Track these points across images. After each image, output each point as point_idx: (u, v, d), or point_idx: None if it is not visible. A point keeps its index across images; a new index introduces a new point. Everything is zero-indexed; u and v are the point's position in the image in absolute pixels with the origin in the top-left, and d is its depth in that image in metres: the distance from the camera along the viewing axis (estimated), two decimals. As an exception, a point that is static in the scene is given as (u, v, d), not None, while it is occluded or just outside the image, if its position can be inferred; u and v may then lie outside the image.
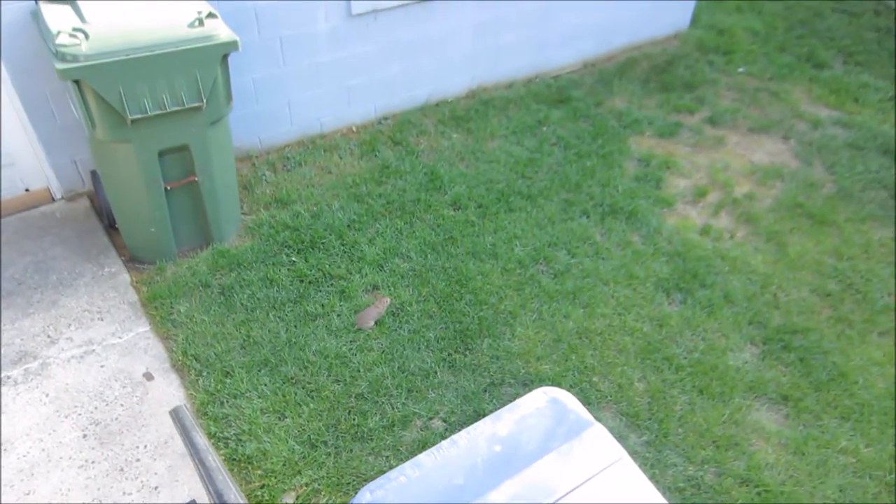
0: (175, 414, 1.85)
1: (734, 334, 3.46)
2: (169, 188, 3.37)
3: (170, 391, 2.98)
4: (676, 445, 2.93)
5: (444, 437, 2.64)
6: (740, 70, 5.92)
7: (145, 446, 2.76)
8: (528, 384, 3.09)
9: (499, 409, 1.94)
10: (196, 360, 3.10)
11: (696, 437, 2.96)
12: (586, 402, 3.01)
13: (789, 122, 5.25)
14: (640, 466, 1.84)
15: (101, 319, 3.28)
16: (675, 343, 3.38)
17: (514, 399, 1.99)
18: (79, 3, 3.12)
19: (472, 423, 1.93)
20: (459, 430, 1.88)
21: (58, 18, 3.01)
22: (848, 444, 3.02)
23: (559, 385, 3.03)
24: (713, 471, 2.87)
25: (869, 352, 3.43)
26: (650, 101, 5.41)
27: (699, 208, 4.33)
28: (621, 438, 2.89)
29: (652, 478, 2.76)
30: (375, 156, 4.50)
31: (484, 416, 1.97)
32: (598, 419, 2.02)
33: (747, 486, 2.83)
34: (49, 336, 3.18)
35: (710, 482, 2.83)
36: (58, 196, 3.95)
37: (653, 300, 3.60)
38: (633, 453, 2.85)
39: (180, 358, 3.11)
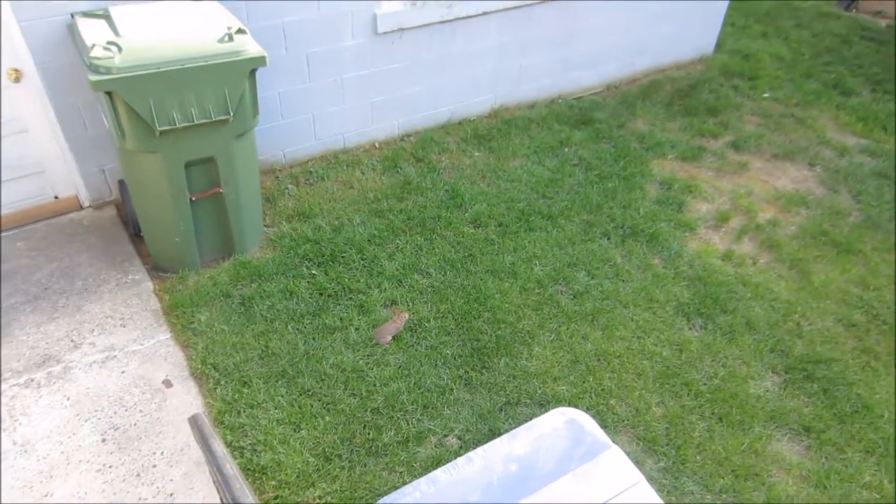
0: (194, 421, 1.86)
1: (755, 362, 3.43)
2: (194, 199, 3.42)
3: (188, 399, 3.01)
4: (694, 473, 2.89)
5: (458, 455, 2.63)
6: (765, 95, 5.91)
7: (162, 453, 2.79)
8: (544, 405, 3.07)
9: (514, 428, 1.93)
10: (215, 368, 3.13)
11: (715, 466, 2.93)
12: (603, 426, 2.98)
13: (815, 148, 5.22)
14: (656, 492, 1.83)
15: (124, 326, 3.32)
16: (695, 369, 3.35)
17: (530, 419, 1.99)
18: (113, 17, 3.21)
19: (487, 441, 1.92)
20: (474, 448, 1.88)
21: (93, 32, 3.10)
22: (872, 479, 2.96)
23: (576, 407, 3.01)
24: (731, 501, 2.83)
25: (894, 385, 3.38)
26: (673, 124, 5.40)
27: (721, 233, 4.30)
28: (638, 464, 2.86)
29: (668, 504, 2.73)
30: (397, 172, 4.54)
31: (499, 435, 1.97)
32: (614, 442, 2.01)
33: (765, 516, 2.79)
34: (73, 340, 3.23)
35: (728, 511, 2.79)
36: (86, 204, 4.03)
37: (672, 324, 3.58)
38: (650, 479, 2.81)
39: (199, 366, 3.13)
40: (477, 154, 4.79)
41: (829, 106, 5.79)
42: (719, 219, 4.40)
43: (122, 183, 3.87)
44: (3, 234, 3.80)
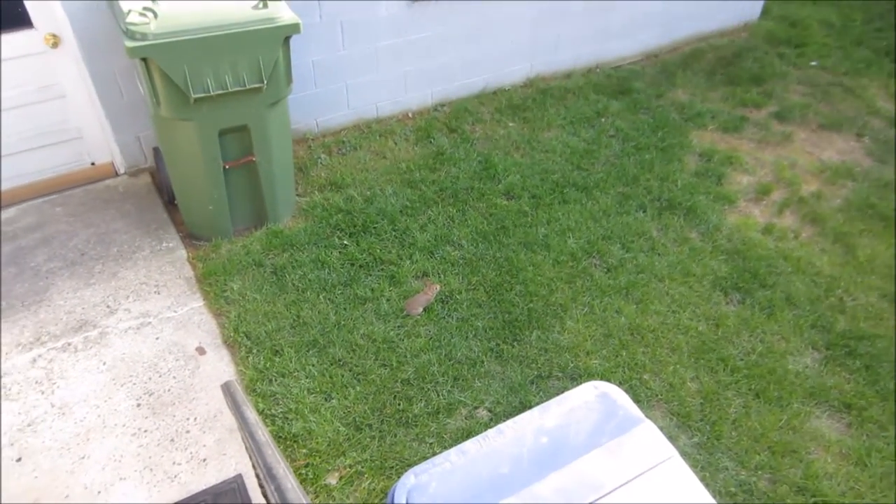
0: (227, 388, 1.88)
1: (795, 338, 3.34)
2: (227, 167, 3.42)
3: (220, 366, 3.04)
4: (729, 449, 2.85)
5: (488, 427, 2.62)
6: (812, 64, 5.70)
7: (195, 419, 2.83)
8: (576, 378, 3.04)
9: (546, 401, 1.91)
10: (247, 337, 3.16)
11: (751, 442, 2.88)
12: (636, 400, 2.94)
13: (863, 118, 5.03)
14: (690, 468, 1.79)
15: (158, 293, 3.37)
16: (732, 344, 3.28)
17: (562, 392, 1.96)
18: (147, -18, 3.20)
19: (517, 414, 1.90)
20: (505, 420, 1.86)
21: (127, -3, 3.09)
22: (913, 458, 2.88)
23: (608, 381, 2.98)
24: (767, 477, 2.78)
25: (940, 363, 3.27)
26: (714, 94, 5.26)
27: (762, 206, 4.20)
28: (671, 439, 2.82)
29: (702, 480, 2.69)
30: (430, 142, 4.50)
31: (530, 408, 1.95)
32: (647, 417, 1.98)
33: (803, 494, 2.73)
34: (108, 306, 3.28)
35: (764, 488, 2.74)
36: (121, 171, 4.07)
37: (709, 299, 3.51)
38: (683, 454, 2.76)
39: (232, 334, 3.16)
40: (511, 124, 4.73)
41: (879, 74, 5.56)
42: (760, 191, 4.29)
43: (156, 150, 3.90)
44: (42, 200, 3.86)
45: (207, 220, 3.61)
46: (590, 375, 3.04)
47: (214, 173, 3.40)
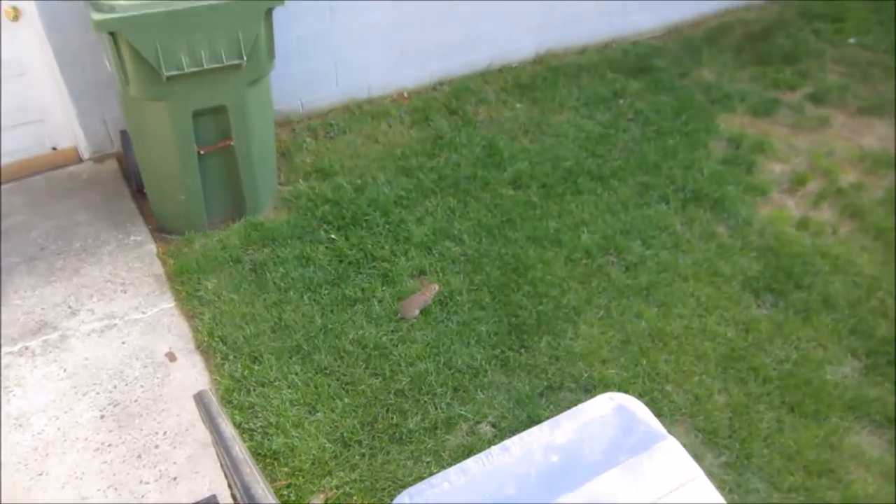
0: (200, 399, 1.86)
1: (833, 345, 3.33)
2: (202, 152, 3.40)
3: (193, 374, 3.02)
4: (760, 468, 2.83)
5: (492, 444, 2.60)
6: (851, 41, 5.69)
7: (165, 432, 2.81)
8: (590, 390, 3.03)
9: (556, 415, 1.90)
10: (223, 342, 3.14)
11: (784, 461, 2.86)
12: (657, 414, 2.90)
13: (908, 102, 5.02)
14: (717, 489, 1.78)
15: (125, 292, 3.35)
16: (764, 351, 3.27)
17: (575, 405, 1.95)
18: (113, -55, 3.17)
19: (524, 429, 1.89)
20: (510, 436, 1.85)
21: (92, -37, 3.07)
22: (964, 479, 2.87)
23: (626, 392, 2.96)
24: (802, 500, 2.77)
25: None
26: (743, 73, 5.25)
27: (797, 198, 4.18)
28: (696, 457, 2.79)
29: (731, 503, 2.67)
30: (428, 125, 4.48)
31: (538, 422, 1.94)
32: (670, 433, 1.96)
33: (841, 520, 2.72)
34: (70, 306, 3.26)
35: (798, 513, 2.73)
36: (85, 156, 4.05)
37: (739, 301, 3.49)
38: (710, 475, 2.74)
39: (206, 339, 3.15)
40: (519, 106, 4.71)
41: (927, 53, 5.54)
42: (795, 181, 4.27)
43: (124, 134, 3.87)
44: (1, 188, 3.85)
45: (180, 211, 3.58)
46: (606, 386, 3.02)
47: (188, 159, 3.38)
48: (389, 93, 4.74)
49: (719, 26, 5.73)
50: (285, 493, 2.64)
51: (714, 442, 2.91)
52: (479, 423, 2.91)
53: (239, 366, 3.04)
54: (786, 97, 5.03)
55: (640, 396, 2.92)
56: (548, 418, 1.87)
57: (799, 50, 5.49)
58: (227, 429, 1.70)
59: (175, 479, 2.66)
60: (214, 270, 3.46)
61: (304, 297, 3.34)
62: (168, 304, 3.31)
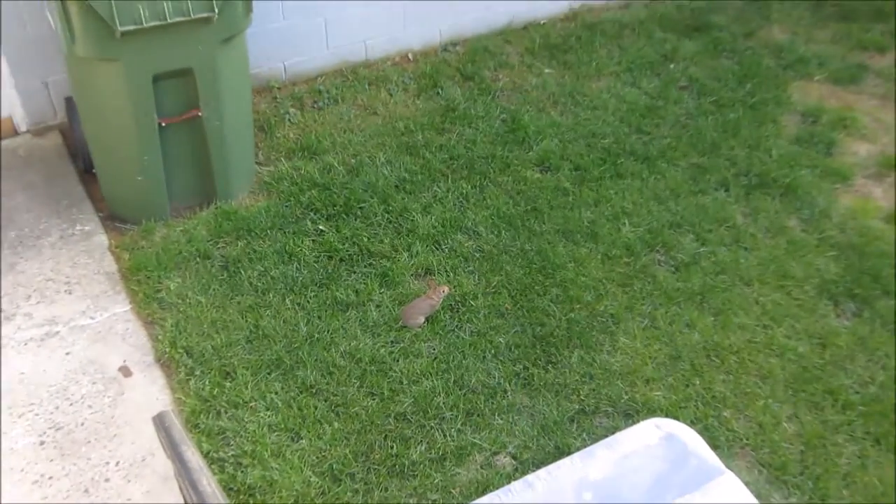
0: (160, 422, 1.87)
1: (929, 364, 3.33)
2: (164, 125, 3.41)
3: (152, 392, 3.03)
4: (837, 513, 2.83)
5: (513, 479, 2.60)
6: (957, -6, 5.66)
7: (117, 463, 2.82)
8: (631, 415, 3.03)
9: (590, 445, 1.90)
10: (188, 353, 3.15)
11: (867, 504, 2.86)
12: (713, 445, 2.91)
13: None
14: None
15: (70, 293, 3.37)
16: (844, 371, 3.26)
17: (613, 433, 1.96)
18: None
19: (552, 461, 1.90)
20: (534, 470, 1.86)
21: None
22: None
23: (676, 419, 2.97)
24: (888, 552, 2.77)
25: None
26: (822, 32, 5.24)
27: (885, 185, 4.18)
28: (760, 497, 2.81)
29: (800, 555, 2.68)
30: (438, 94, 4.49)
31: (569, 453, 1.95)
32: (728, 468, 1.97)
33: (937, 577, 2.72)
34: (4, 310, 3.28)
35: (884, 568, 2.73)
36: (23, 128, 4.08)
37: (814, 310, 3.49)
38: (775, 520, 2.77)
39: (167, 350, 3.16)
40: (547, 71, 4.72)
41: None
42: (883, 165, 4.26)
43: (69, 102, 3.89)
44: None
45: (136, 195, 3.60)
46: (650, 411, 3.02)
47: (147, 132, 3.39)
48: (391, 55, 4.75)
49: (793, -25, 5.73)
50: (262, 536, 2.66)
51: (782, 479, 2.90)
52: (496, 453, 2.92)
53: (207, 382, 3.05)
54: (874, 62, 5.03)
55: (692, 424, 2.93)
56: (580, 449, 1.87)
57: (890, 5, 5.47)
58: (194, 458, 1.71)
59: (129, 518, 2.68)
60: (178, 267, 3.47)
61: (287, 301, 3.36)
62: (122, 307, 3.33)
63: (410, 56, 4.78)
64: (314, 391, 3.07)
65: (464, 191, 3.89)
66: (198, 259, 3.52)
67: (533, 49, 4.86)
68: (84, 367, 3.11)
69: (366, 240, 3.62)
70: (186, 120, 3.46)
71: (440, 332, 3.29)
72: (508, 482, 1.85)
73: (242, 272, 3.46)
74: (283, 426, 2.94)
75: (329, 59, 4.58)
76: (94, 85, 3.29)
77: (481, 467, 2.87)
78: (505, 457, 2.91)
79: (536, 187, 3.93)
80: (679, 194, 3.97)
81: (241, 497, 2.75)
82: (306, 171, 3.93)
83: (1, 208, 3.65)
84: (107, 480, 2.77)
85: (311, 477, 2.80)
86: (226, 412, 2.98)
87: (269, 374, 3.11)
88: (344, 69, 4.63)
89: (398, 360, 3.18)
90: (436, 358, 3.20)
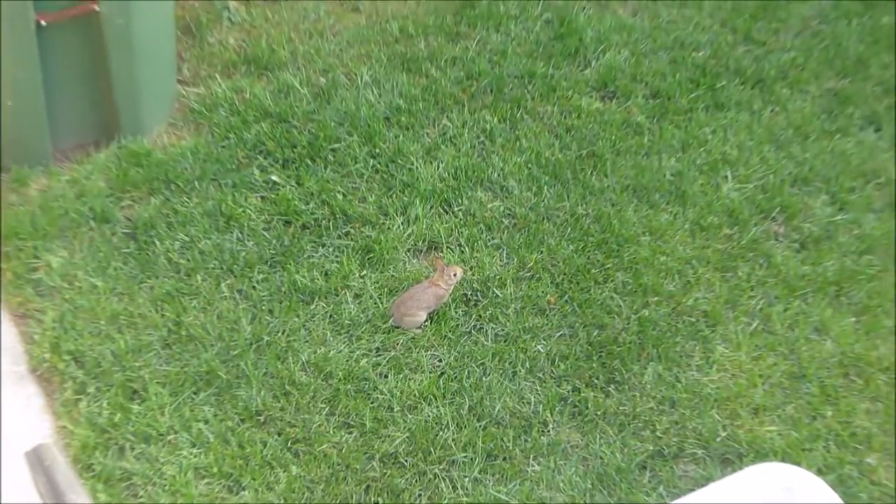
0: (37, 458, 1.89)
1: None
2: (44, 23, 3.41)
3: (24, 417, 3.05)
4: None
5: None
6: None
7: (-27, 521, 2.85)
8: (732, 460, 3.04)
9: (673, 501, 1.92)
10: (77, 362, 3.16)
11: None
12: (851, 502, 2.96)
13: None
14: None
15: None
16: None
17: (705, 485, 1.97)
18: None
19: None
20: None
21: None
22: None
23: (799, 465, 2.98)
24: None
25: None
26: None
27: None
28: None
29: None
30: (450, -20, 4.51)
31: (641, 513, 1.97)
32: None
33: None
34: None
35: None
36: None
37: None
38: None
39: (47, 356, 3.17)
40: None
41: None
42: None
43: None
44: None
45: (3, 128, 3.61)
46: (760, 455, 3.04)
47: (19, 35, 3.39)
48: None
49: None
50: None
51: (953, 559, 2.93)
52: (531, 514, 2.94)
53: (106, 404, 3.06)
54: None
55: (820, 472, 2.95)
56: (656, 506, 1.89)
57: None
58: (85, 511, 1.73)
59: None
60: (63, 235, 3.48)
61: (222, 287, 3.37)
62: (-20, 293, 3.35)
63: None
64: (262, 420, 3.08)
65: (487, 126, 3.91)
66: (92, 223, 3.52)
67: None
68: (-75, 379, 3.14)
69: (340, 198, 3.63)
70: (77, 17, 3.47)
71: (449, 335, 3.31)
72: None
73: (157, 243, 3.47)
74: (216, 470, 2.95)
75: (288, -74, 4.58)
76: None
77: (509, 536, 2.90)
78: (545, 519, 2.94)
79: (595, 122, 3.95)
80: (807, 135, 3.98)
81: (154, 573, 2.77)
82: (253, 95, 3.94)
83: None
84: (-44, 547, 2.80)
85: (257, 547, 2.83)
86: (132, 448, 2.98)
87: (195, 393, 3.12)
88: (311, -58, 4.62)
89: (386, 377, 3.19)
90: (442, 373, 3.21)
